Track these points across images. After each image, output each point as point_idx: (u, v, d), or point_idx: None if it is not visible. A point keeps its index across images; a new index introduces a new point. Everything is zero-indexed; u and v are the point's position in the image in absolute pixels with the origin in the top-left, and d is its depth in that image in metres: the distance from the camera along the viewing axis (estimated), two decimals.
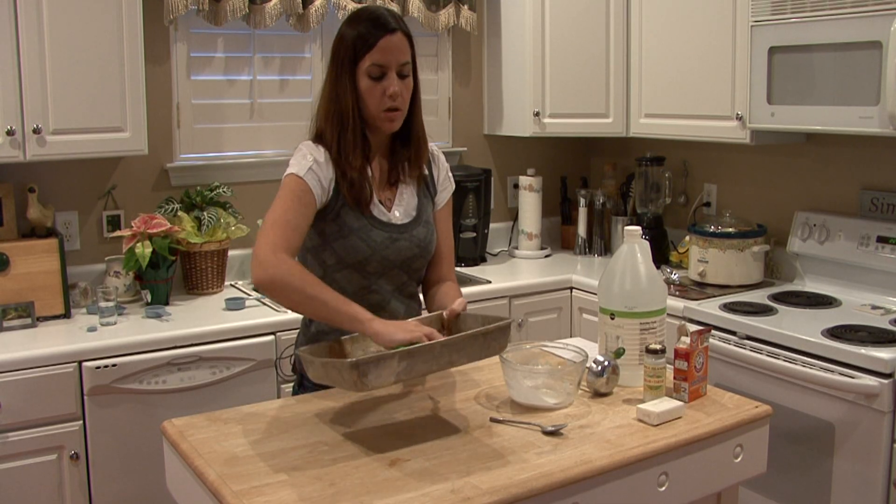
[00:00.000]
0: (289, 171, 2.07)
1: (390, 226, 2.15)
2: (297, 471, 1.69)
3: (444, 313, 2.05)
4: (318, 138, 2.14)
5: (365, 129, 2.13)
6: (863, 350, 2.52)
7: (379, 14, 2.08)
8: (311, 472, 1.68)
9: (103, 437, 2.70)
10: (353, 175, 2.09)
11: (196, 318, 2.97)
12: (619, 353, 2.11)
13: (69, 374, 2.63)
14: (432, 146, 2.31)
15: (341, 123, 2.09)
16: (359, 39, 2.06)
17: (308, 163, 2.06)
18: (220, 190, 3.38)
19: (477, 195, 3.79)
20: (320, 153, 2.10)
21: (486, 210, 3.88)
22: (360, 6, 3.41)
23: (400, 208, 2.19)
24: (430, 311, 2.23)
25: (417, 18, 3.71)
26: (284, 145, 3.60)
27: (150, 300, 3.12)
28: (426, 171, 2.25)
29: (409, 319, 2.08)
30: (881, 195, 3.11)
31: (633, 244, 2.16)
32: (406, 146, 2.20)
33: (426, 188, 2.26)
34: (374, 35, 2.05)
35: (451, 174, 2.33)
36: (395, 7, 3.59)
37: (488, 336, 1.81)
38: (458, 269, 3.70)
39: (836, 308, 3.00)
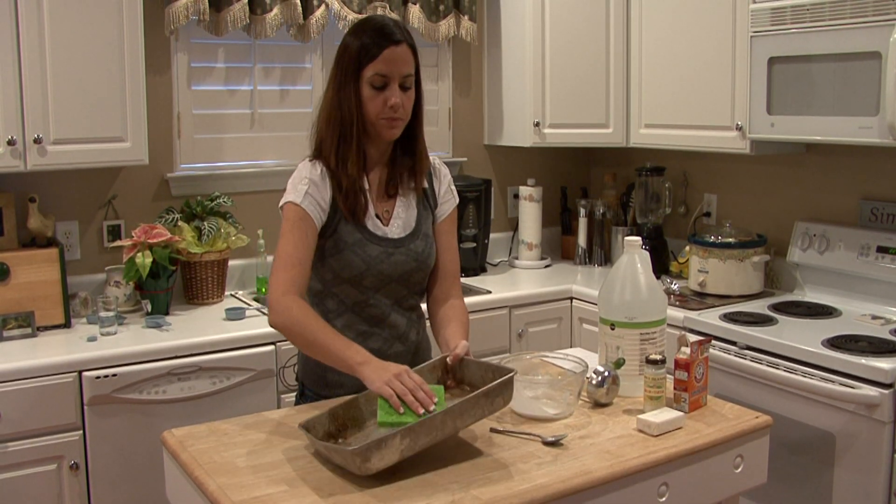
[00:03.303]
0: (286, 198, 2.09)
1: (386, 240, 2.14)
2: (297, 481, 1.69)
3: (448, 359, 2.02)
4: (317, 152, 2.15)
5: (364, 139, 2.13)
6: (863, 360, 2.52)
7: (384, 24, 2.09)
8: (311, 482, 1.68)
9: (103, 447, 2.69)
10: (348, 185, 2.09)
11: (196, 328, 2.97)
12: (619, 363, 2.11)
13: (69, 383, 2.63)
14: (435, 159, 2.30)
15: (342, 129, 2.10)
16: (363, 49, 2.06)
17: (304, 187, 2.07)
18: (221, 200, 3.38)
19: (477, 205, 3.79)
20: (316, 171, 2.10)
21: (487, 220, 3.88)
22: (361, 16, 3.43)
23: (398, 221, 2.18)
24: (436, 336, 2.21)
25: (418, 29, 3.72)
26: (285, 155, 3.61)
27: (150, 310, 3.12)
28: (426, 184, 2.25)
29: (414, 367, 2.12)
30: (881, 205, 3.12)
31: (633, 254, 2.16)
32: (407, 156, 2.19)
33: (426, 201, 2.25)
34: (378, 45, 2.05)
35: (453, 187, 2.31)
36: (395, 16, 3.60)
37: (491, 394, 1.77)
38: None
39: (837, 318, 2.99)
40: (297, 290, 2.02)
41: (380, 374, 1.84)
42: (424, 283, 2.25)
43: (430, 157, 2.27)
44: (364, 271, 2.11)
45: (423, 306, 2.31)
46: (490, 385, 1.77)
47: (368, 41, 2.06)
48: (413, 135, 2.18)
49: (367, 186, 2.15)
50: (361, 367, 1.88)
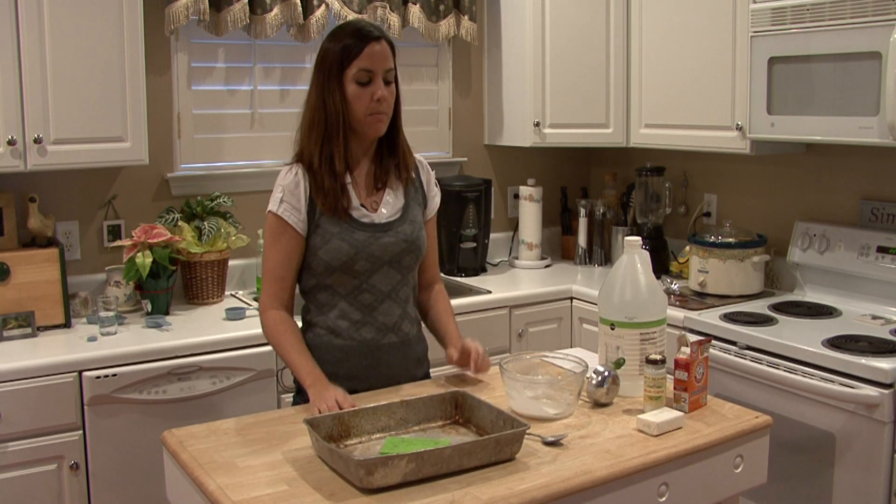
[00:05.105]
0: (269, 206, 2.20)
1: (372, 225, 2.19)
2: (296, 481, 1.69)
3: (470, 358, 2.18)
4: (298, 156, 2.23)
5: (350, 137, 2.19)
6: (863, 360, 2.52)
7: (361, 26, 2.18)
8: (310, 482, 1.68)
9: (103, 447, 2.69)
10: (329, 184, 2.16)
11: (196, 328, 2.97)
12: (619, 363, 2.11)
13: (69, 383, 2.63)
14: (418, 156, 2.37)
15: (326, 130, 2.17)
16: (345, 49, 2.14)
17: (279, 195, 2.19)
18: (221, 200, 3.38)
19: (477, 205, 3.79)
20: (290, 176, 2.19)
21: (487, 220, 3.88)
22: (362, 16, 3.44)
23: (386, 207, 2.23)
24: (425, 322, 2.29)
25: (418, 29, 3.71)
26: (285, 155, 3.55)
27: (150, 310, 3.11)
28: (413, 175, 2.31)
29: (409, 362, 2.27)
30: (881, 205, 3.12)
31: (633, 254, 2.16)
32: (392, 154, 2.26)
33: (415, 192, 2.30)
34: (360, 43, 2.13)
35: (436, 181, 2.41)
36: (395, 17, 3.60)
37: (502, 442, 1.77)
38: (458, 279, 3.71)
39: (837, 318, 2.99)
40: (280, 303, 2.19)
41: (316, 400, 1.99)
42: (416, 269, 2.29)
43: (415, 155, 2.34)
44: (354, 255, 2.15)
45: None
46: (505, 433, 1.77)
47: (350, 42, 2.14)
48: (394, 131, 2.25)
49: (348, 180, 2.20)
50: (308, 388, 2.06)
